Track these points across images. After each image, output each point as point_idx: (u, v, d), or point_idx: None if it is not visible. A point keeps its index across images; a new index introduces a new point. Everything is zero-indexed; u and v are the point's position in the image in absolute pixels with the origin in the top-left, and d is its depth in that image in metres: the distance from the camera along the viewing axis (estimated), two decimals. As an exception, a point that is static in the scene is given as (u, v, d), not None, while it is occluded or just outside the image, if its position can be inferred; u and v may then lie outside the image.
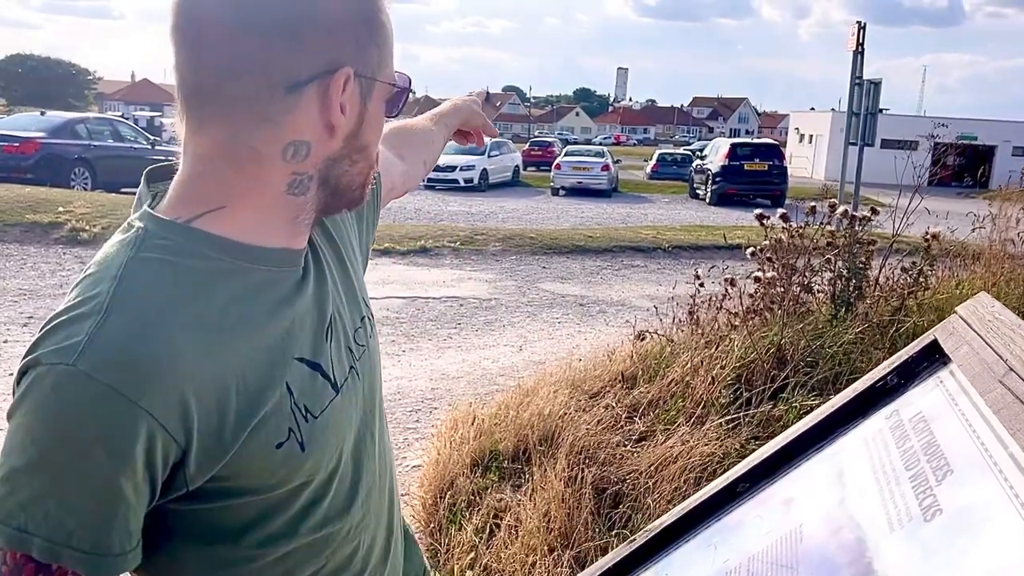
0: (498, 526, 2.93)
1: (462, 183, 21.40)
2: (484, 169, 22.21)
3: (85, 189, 13.74)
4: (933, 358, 1.09)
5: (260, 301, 0.82)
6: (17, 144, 13.62)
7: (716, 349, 3.92)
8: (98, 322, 0.71)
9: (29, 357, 0.72)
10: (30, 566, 0.71)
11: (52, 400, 0.70)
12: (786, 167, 21.97)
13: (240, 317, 0.79)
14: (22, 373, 0.73)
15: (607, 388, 3.93)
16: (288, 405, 0.81)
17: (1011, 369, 0.88)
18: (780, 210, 4.56)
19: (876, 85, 13.27)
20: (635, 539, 1.27)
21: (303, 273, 0.88)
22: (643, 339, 4.38)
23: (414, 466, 3.81)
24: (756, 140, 26.57)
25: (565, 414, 3.53)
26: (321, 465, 0.85)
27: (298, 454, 0.82)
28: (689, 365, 3.81)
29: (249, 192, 0.81)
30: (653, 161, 31.99)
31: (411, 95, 0.92)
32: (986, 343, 0.98)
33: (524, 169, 27.20)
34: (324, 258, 0.93)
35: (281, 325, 0.83)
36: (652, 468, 3.04)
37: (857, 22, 13.79)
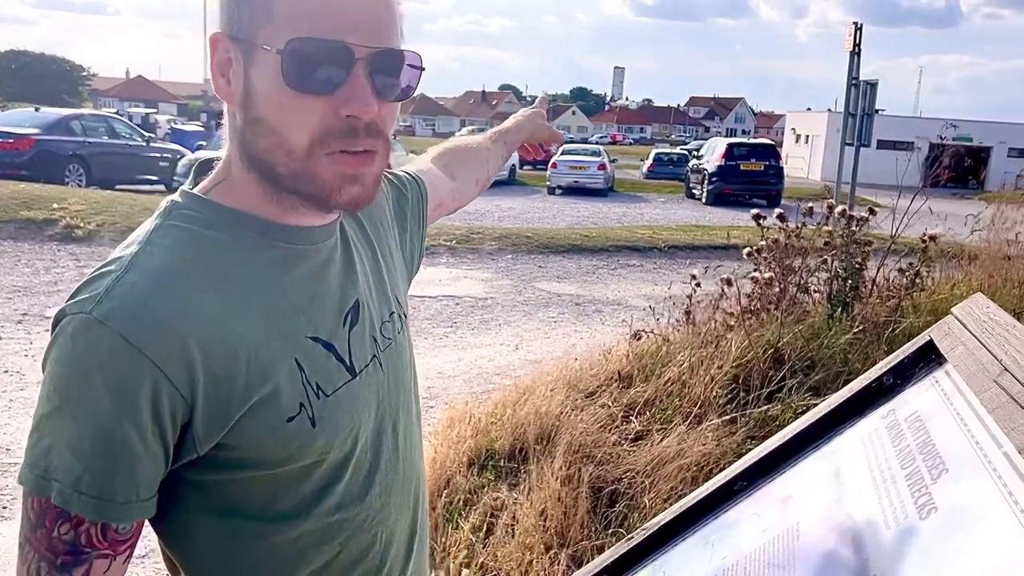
0: (495, 524, 2.94)
1: (458, 182, 21.37)
2: (481, 168, 22.18)
3: (80, 186, 13.70)
4: (929, 358, 1.10)
5: (275, 277, 0.84)
6: (11, 140, 13.59)
7: (713, 349, 3.93)
8: (118, 276, 0.77)
9: (58, 311, 0.77)
10: (53, 511, 0.75)
11: (69, 347, 0.75)
12: (782, 167, 22.01)
13: (253, 289, 0.82)
14: (53, 326, 0.78)
15: (603, 387, 3.94)
16: (300, 380, 0.83)
17: (1006, 369, 0.89)
18: (777, 210, 4.58)
19: (872, 86, 13.30)
20: (632, 537, 1.28)
21: (328, 257, 0.90)
22: (639, 338, 4.39)
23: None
24: (752, 140, 26.59)
25: (562, 413, 3.54)
26: (334, 445, 0.86)
27: (309, 430, 0.83)
28: (686, 365, 3.82)
29: (236, 160, 0.86)
30: (649, 161, 32.00)
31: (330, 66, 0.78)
32: (981, 344, 0.98)
33: (520, 168, 27.19)
34: (356, 249, 0.95)
35: (295, 303, 0.85)
36: (649, 467, 3.05)
37: (854, 23, 13.80)
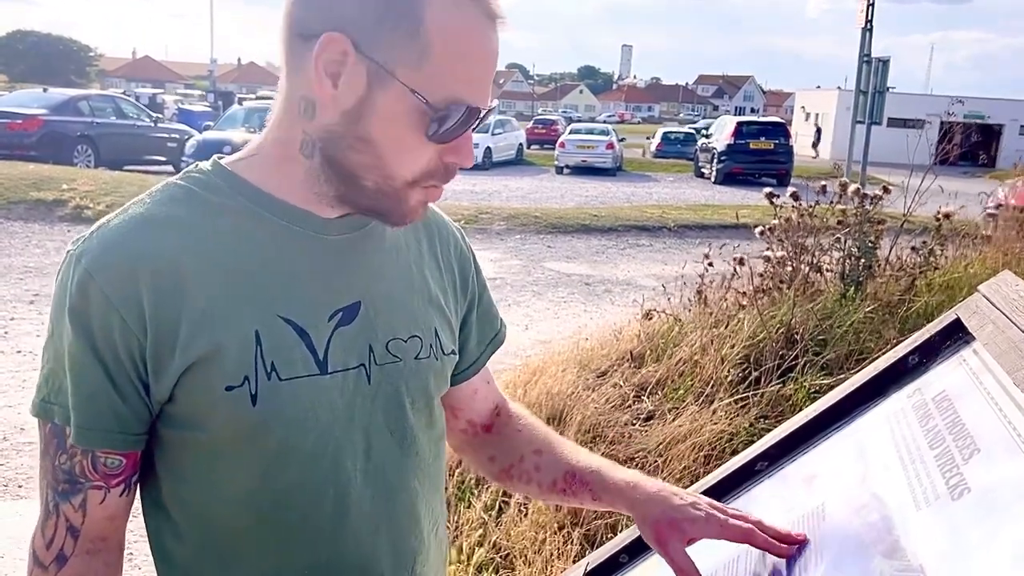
0: (507, 504, 2.94)
1: (466, 161, 21.29)
2: (488, 147, 22.11)
3: (88, 166, 13.73)
4: (956, 336, 1.08)
5: (259, 247, 0.84)
6: (20, 121, 13.59)
7: (724, 328, 3.91)
8: (108, 220, 0.83)
9: None
10: (54, 439, 0.82)
11: (57, 281, 0.83)
12: (792, 146, 21.80)
13: (233, 252, 0.82)
14: None
15: (615, 367, 3.93)
16: (253, 353, 0.80)
17: (1039, 348, 0.87)
18: (790, 189, 4.54)
19: (884, 63, 13.15)
20: (652, 517, 1.26)
21: (330, 249, 0.87)
22: (650, 318, 4.38)
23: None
24: (762, 118, 26.35)
25: (573, 393, 3.53)
26: (273, 432, 0.82)
27: (247, 407, 0.80)
28: (697, 344, 3.81)
29: (277, 143, 0.86)
30: (657, 139, 31.73)
31: (473, 126, 0.81)
32: (1012, 322, 0.97)
33: (528, 147, 27.07)
34: (386, 262, 0.92)
35: (274, 278, 0.83)
36: (661, 447, 3.05)
37: (866, -1, 13.60)
